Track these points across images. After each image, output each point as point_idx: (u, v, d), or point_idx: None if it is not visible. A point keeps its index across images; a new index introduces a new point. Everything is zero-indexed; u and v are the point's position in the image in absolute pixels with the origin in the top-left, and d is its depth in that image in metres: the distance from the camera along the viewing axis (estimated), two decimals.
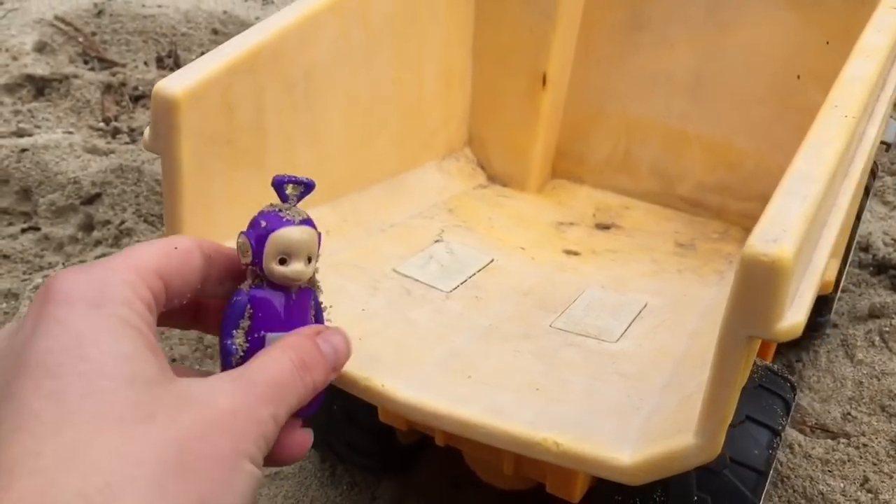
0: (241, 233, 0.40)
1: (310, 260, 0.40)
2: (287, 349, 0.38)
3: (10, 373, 0.31)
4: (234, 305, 0.39)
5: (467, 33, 0.79)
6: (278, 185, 0.41)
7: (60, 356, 0.31)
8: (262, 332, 0.39)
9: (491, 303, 0.59)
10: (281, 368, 0.37)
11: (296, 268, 0.39)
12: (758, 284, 0.35)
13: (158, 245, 0.38)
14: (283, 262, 0.39)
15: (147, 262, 0.36)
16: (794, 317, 0.35)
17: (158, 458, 0.30)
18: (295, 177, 0.41)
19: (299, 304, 0.41)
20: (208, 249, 0.40)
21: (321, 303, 0.43)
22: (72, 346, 0.31)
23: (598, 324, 0.57)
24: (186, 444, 0.31)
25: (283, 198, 0.41)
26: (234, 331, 0.39)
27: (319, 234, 0.41)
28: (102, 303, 0.33)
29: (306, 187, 0.42)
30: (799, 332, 0.35)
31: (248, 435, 0.34)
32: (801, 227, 0.36)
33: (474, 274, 0.63)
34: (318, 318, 0.43)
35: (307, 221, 0.40)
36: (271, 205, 0.41)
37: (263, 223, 0.39)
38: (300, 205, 0.42)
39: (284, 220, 0.39)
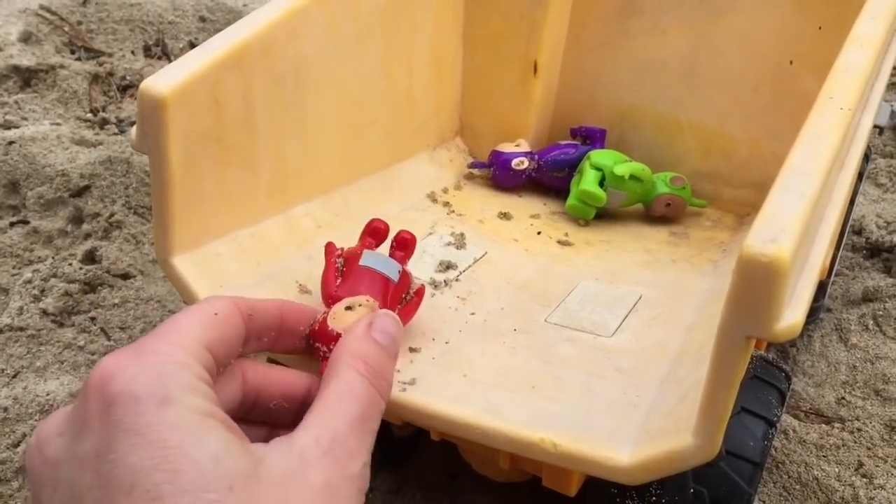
0: None
1: None
2: (354, 361, 0.37)
3: (97, 493, 0.30)
4: None
5: (458, 21, 0.78)
6: None
7: (154, 474, 0.29)
8: None
9: (485, 297, 0.59)
10: (357, 396, 0.36)
11: None
12: (756, 285, 0.34)
13: (198, 315, 0.36)
14: None
15: (193, 337, 0.35)
16: (792, 317, 0.35)
17: None
18: None
19: None
20: (246, 309, 0.39)
21: None
22: (160, 459, 0.30)
23: (593, 318, 0.57)
24: None
25: None
26: None
27: None
28: (170, 398, 0.31)
29: None
30: (797, 332, 0.35)
31: (348, 500, 0.33)
32: (799, 225, 0.36)
33: (468, 267, 0.63)
34: None
35: None
36: None
37: None
38: None
39: None
